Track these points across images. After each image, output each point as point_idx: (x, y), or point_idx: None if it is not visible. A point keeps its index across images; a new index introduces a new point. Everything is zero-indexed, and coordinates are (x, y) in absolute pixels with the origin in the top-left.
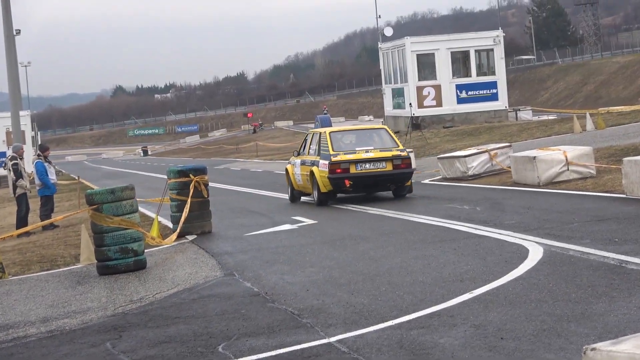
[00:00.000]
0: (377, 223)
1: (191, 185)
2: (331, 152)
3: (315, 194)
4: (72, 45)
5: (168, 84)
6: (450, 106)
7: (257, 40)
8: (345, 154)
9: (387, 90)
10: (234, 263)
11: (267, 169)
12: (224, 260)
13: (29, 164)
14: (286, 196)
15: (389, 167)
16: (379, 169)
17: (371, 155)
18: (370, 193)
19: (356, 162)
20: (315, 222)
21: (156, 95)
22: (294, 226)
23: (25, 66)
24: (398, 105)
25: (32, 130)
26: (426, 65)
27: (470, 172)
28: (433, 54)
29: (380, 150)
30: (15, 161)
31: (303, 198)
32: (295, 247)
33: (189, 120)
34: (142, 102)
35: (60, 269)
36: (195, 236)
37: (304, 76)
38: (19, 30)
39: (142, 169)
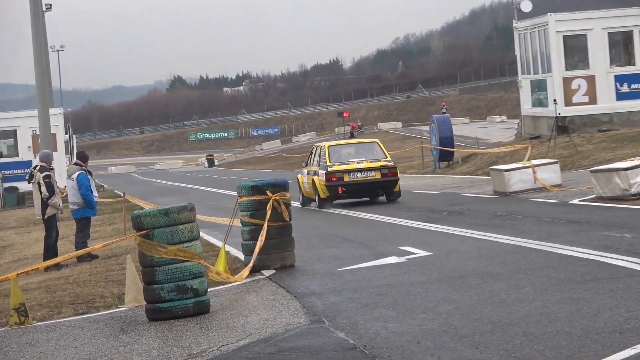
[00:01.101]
0: (510, 256)
1: (268, 205)
2: (328, 163)
3: (317, 199)
4: (116, 26)
5: (240, 74)
6: (607, 104)
7: (357, 19)
8: (340, 164)
9: (524, 82)
10: (323, 306)
11: None
12: (310, 302)
13: (60, 178)
14: (392, 220)
15: (377, 175)
16: (368, 177)
17: (362, 165)
18: (361, 198)
19: (349, 171)
20: (430, 253)
21: (225, 89)
22: (402, 259)
23: (58, 51)
24: (539, 102)
25: (66, 134)
26: (576, 50)
27: (633, 190)
28: (585, 36)
29: (371, 161)
30: (48, 173)
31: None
32: (403, 286)
33: (268, 121)
34: (208, 97)
35: (99, 313)
36: (273, 271)
37: (416, 64)
38: (50, 5)
39: (207, 183)
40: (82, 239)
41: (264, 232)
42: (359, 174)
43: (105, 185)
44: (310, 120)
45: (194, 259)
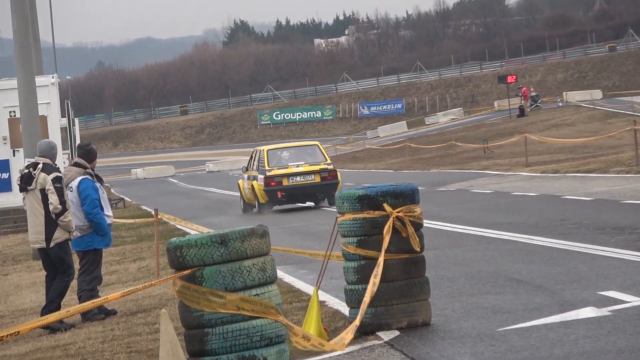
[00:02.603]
0: None
1: (387, 227)
2: (267, 168)
3: (256, 204)
4: None
5: (341, 18)
6: None
7: None
8: (278, 168)
9: None
10: None
11: (547, 190)
12: None
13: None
14: (587, 248)
15: (317, 179)
16: (308, 181)
17: (301, 169)
18: (302, 203)
19: (288, 175)
20: None
21: (317, 42)
22: (604, 311)
23: None
24: None
25: (63, 116)
26: None
27: None
28: None
29: (310, 165)
30: (58, 174)
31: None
32: (606, 354)
33: (386, 93)
34: (289, 55)
35: None
36: (396, 332)
37: None
38: None
39: None
40: (89, 285)
41: (379, 271)
42: (298, 178)
43: (126, 198)
44: (454, 90)
45: (268, 315)
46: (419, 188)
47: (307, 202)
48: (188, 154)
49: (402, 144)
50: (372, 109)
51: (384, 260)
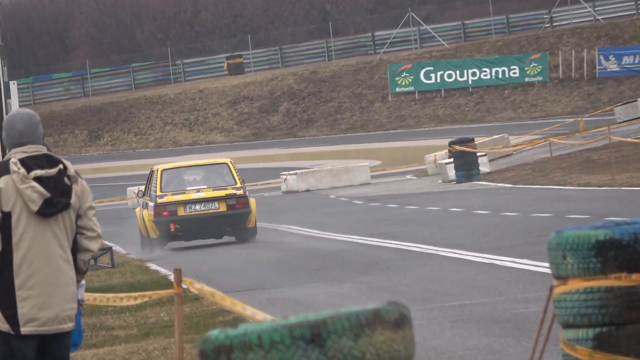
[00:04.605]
0: None
1: None
2: (158, 193)
3: (147, 240)
4: None
5: None
6: None
7: None
8: (173, 194)
9: None
10: None
11: None
12: None
13: None
14: None
15: (222, 207)
16: (210, 210)
17: (202, 195)
18: (204, 238)
19: (184, 203)
20: None
21: None
22: None
23: None
24: None
25: None
26: None
27: None
28: None
29: (214, 189)
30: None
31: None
32: None
33: None
34: None
35: None
36: None
37: None
38: None
39: (448, 236)
40: None
41: None
42: (197, 206)
43: (116, 247)
44: None
45: None
46: None
47: (209, 238)
48: (244, 155)
49: None
50: (625, 60)
51: None
